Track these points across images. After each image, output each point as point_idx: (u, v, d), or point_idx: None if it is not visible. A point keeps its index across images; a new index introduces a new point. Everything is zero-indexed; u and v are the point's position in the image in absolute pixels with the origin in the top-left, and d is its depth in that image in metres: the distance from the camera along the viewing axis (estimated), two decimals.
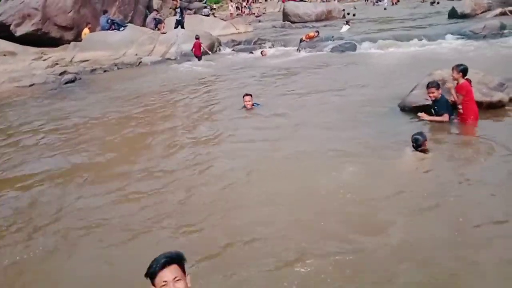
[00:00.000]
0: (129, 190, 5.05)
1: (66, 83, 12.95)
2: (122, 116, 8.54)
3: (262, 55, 16.15)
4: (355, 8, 35.06)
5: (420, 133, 5.25)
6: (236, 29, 25.23)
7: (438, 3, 31.94)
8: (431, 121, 6.43)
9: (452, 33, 14.74)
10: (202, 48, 16.10)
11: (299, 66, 12.95)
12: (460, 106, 6.30)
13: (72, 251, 3.88)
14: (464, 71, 6.20)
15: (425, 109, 6.70)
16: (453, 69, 6.27)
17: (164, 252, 1.99)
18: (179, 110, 8.90)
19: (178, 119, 8.19)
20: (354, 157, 5.45)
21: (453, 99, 6.35)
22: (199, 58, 15.80)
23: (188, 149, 6.31)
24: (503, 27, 14.55)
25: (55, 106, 9.98)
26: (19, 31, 17.88)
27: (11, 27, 17.84)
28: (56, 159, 6.30)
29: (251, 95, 8.16)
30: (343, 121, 7.00)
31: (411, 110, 7.08)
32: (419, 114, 6.55)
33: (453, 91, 6.32)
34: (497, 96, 6.90)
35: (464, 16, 19.58)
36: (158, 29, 19.37)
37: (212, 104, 9.07)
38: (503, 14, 18.67)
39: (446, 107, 6.31)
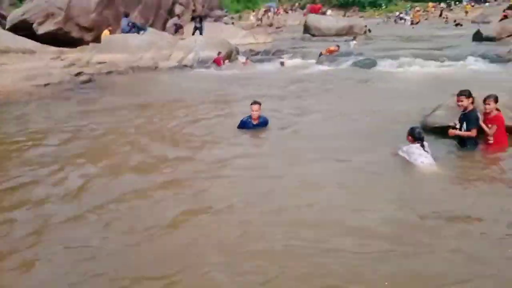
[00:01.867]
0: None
1: (82, 83, 12.91)
2: (128, 126, 8.10)
3: (282, 65, 16.03)
4: (377, 24, 34.86)
5: (416, 127, 5.74)
6: (255, 39, 25.20)
7: (461, 25, 31.56)
8: (458, 135, 6.05)
9: (476, 56, 14.35)
10: (222, 61, 16.21)
11: (316, 79, 12.71)
12: (490, 138, 5.98)
13: None
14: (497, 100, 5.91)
15: (447, 130, 6.42)
16: (488, 100, 5.91)
17: None
18: (184, 122, 8.33)
19: (180, 133, 7.59)
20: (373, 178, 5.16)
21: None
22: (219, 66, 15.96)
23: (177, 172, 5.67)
24: None
25: (63, 108, 9.84)
26: (41, 30, 18.10)
27: (34, 25, 18.08)
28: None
29: (259, 103, 7.28)
30: (361, 140, 6.64)
31: (432, 131, 6.78)
32: (450, 131, 6.09)
33: (482, 123, 5.98)
34: None
35: (489, 39, 19.15)
36: (180, 34, 19.47)
37: (218, 116, 8.70)
38: None
39: (476, 124, 5.90)
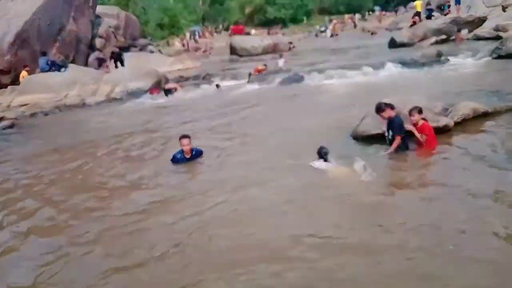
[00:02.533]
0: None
1: (4, 129, 12.16)
2: (47, 174, 7.49)
3: (217, 87, 16.08)
4: (299, 40, 36.22)
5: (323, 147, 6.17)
6: (184, 64, 25.17)
7: (376, 33, 33.69)
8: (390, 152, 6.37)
9: (394, 62, 15.28)
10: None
11: (248, 99, 12.86)
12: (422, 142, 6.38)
13: None
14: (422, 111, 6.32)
15: (378, 137, 6.75)
16: (412, 112, 6.30)
17: None
18: (118, 159, 8.01)
19: (108, 175, 7.14)
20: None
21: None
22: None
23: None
24: (439, 54, 15.28)
25: None
26: None
27: None
28: None
29: (188, 136, 7.01)
30: (291, 158, 6.72)
31: (364, 139, 7.10)
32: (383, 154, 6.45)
33: (411, 127, 6.37)
34: (443, 121, 7.04)
35: (403, 45, 20.55)
36: (104, 67, 18.98)
37: (153, 151, 8.40)
38: (437, 42, 19.79)
39: (400, 129, 6.28)
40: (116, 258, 4.31)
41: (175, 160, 7.06)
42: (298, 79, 15.12)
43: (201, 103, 13.57)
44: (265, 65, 18.00)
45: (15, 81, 16.97)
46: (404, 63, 15.08)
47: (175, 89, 16.03)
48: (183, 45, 41.53)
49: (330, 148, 6.18)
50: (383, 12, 51.08)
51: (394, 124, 6.30)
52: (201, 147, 7.39)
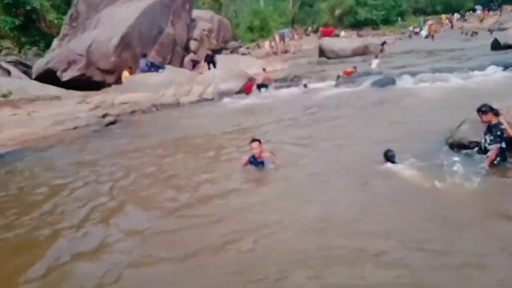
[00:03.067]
0: None
1: (107, 125, 13.27)
2: (156, 163, 8.32)
3: (305, 87, 16.20)
4: (392, 41, 34.91)
5: (390, 149, 6.28)
6: (272, 66, 25.47)
7: (477, 33, 31.38)
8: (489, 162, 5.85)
9: (496, 65, 14.14)
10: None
11: (336, 102, 12.74)
12: None
13: None
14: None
15: (475, 145, 6.30)
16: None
17: None
18: (203, 160, 8.31)
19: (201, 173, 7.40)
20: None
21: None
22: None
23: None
24: None
25: (92, 149, 10.18)
26: (65, 76, 18.82)
27: (58, 73, 18.82)
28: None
29: (259, 140, 6.93)
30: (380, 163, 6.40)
31: (460, 147, 6.66)
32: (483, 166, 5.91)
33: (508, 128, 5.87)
34: None
35: (508, 47, 18.89)
36: (198, 69, 20.00)
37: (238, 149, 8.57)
38: None
39: (496, 140, 5.76)
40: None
41: (248, 162, 7.05)
42: (389, 82, 14.60)
43: (287, 105, 13.69)
44: (354, 67, 17.62)
45: (118, 81, 18.50)
46: (508, 67, 13.89)
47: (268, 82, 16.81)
48: (272, 47, 42.05)
49: (423, 155, 5.91)
50: (486, 12, 47.36)
51: (493, 132, 5.82)
52: (276, 151, 7.37)
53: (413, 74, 14.87)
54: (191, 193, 6.34)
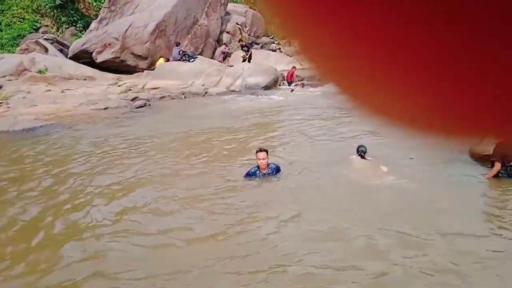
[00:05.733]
0: None
1: (137, 108, 13.72)
2: (179, 148, 8.72)
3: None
4: None
5: (362, 145, 6.75)
6: (300, 64, 25.53)
7: None
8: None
9: None
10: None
11: None
12: None
13: None
14: None
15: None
16: None
17: None
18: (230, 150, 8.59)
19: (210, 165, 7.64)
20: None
21: None
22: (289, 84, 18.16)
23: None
24: None
25: (121, 130, 10.60)
26: (100, 58, 19.38)
27: (93, 54, 19.40)
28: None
29: (266, 150, 6.32)
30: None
31: (482, 159, 6.75)
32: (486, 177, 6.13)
33: None
34: None
35: None
36: (228, 61, 20.29)
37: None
38: None
39: (498, 156, 5.94)
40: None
41: (248, 175, 6.34)
42: None
43: (309, 104, 13.73)
44: None
45: (151, 67, 18.98)
46: None
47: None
48: None
49: (443, 164, 6.02)
50: None
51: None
52: (290, 160, 7.22)
53: None
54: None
